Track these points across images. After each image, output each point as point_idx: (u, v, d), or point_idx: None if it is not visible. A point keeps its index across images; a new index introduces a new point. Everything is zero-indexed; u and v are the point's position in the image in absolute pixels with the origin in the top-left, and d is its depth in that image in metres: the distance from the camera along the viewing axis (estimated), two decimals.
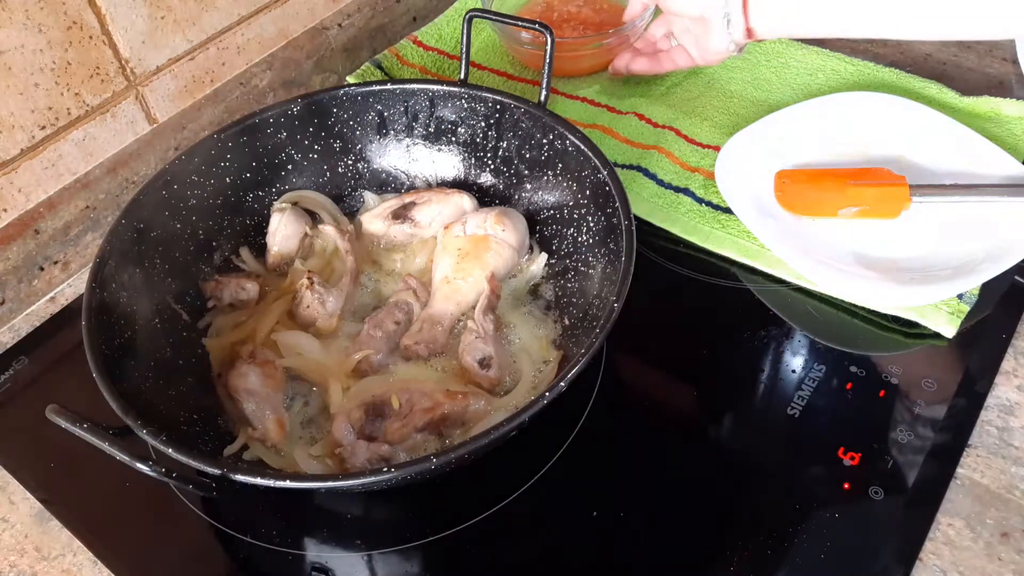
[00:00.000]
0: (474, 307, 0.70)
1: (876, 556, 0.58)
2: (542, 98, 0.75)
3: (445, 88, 0.79)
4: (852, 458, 0.63)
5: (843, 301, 0.74)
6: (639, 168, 0.87)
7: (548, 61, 0.75)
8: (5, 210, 0.76)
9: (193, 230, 0.74)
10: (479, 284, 0.71)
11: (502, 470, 0.64)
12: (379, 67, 0.99)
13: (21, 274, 0.79)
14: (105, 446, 0.53)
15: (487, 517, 0.62)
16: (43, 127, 0.76)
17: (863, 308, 0.73)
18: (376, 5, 1.07)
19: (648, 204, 0.83)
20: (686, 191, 0.84)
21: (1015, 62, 0.97)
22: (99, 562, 0.62)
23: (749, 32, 0.73)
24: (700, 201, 0.83)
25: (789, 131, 0.84)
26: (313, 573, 0.60)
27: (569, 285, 0.73)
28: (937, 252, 0.75)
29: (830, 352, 0.71)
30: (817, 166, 0.82)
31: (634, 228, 0.63)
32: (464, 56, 0.80)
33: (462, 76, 0.80)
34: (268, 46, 0.94)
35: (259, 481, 0.52)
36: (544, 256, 0.75)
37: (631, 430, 0.68)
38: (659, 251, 0.80)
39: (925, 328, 0.71)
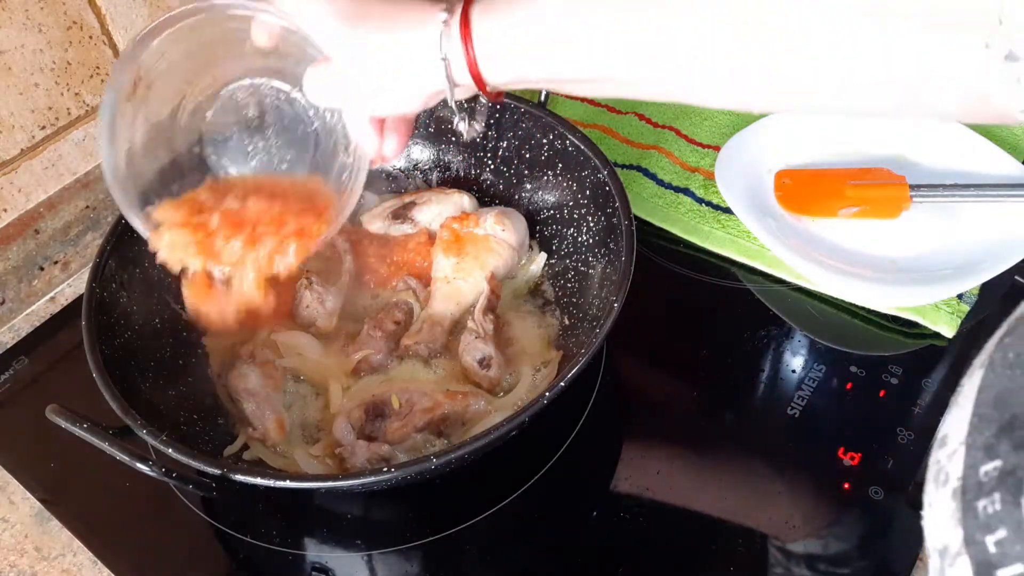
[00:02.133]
0: (474, 307, 0.70)
1: (876, 556, 0.58)
2: (542, 98, 0.75)
3: None
4: (852, 458, 0.63)
5: (843, 301, 0.74)
6: (639, 168, 0.87)
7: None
8: (5, 210, 0.76)
9: None
10: (479, 284, 0.71)
11: (502, 470, 0.64)
12: None
13: (21, 274, 0.79)
14: (105, 446, 0.53)
15: (487, 517, 0.62)
16: (43, 127, 0.76)
17: (863, 308, 0.73)
18: None
19: (648, 204, 0.83)
20: (686, 191, 0.84)
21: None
22: (99, 562, 0.62)
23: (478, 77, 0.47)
24: (700, 201, 0.83)
25: (789, 131, 0.84)
26: (313, 573, 0.60)
27: (569, 285, 0.73)
28: (937, 252, 0.75)
29: (830, 352, 0.71)
30: (817, 166, 0.82)
31: (634, 228, 0.63)
32: None
33: None
34: None
35: (259, 481, 0.52)
36: (544, 256, 0.75)
37: (631, 430, 0.68)
38: (659, 251, 0.80)
39: (925, 328, 0.71)
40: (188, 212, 0.54)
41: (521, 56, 0.46)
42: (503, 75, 0.47)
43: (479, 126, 0.55)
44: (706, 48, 0.40)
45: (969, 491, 0.30)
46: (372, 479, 0.53)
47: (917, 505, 0.60)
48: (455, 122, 0.53)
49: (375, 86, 0.49)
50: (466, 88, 0.48)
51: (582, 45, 0.44)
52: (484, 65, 0.46)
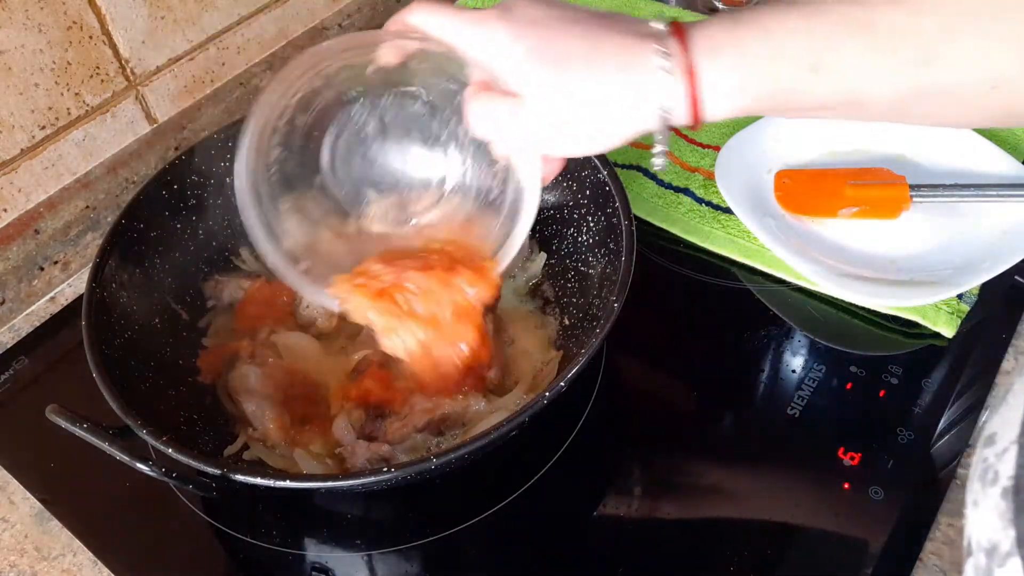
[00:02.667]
0: None
1: (876, 556, 0.58)
2: None
3: None
4: (852, 458, 0.63)
5: (843, 301, 0.74)
6: (639, 168, 0.87)
7: None
8: (5, 210, 0.76)
9: (193, 230, 0.74)
10: None
11: (502, 470, 0.64)
12: None
13: (21, 274, 0.79)
14: (105, 446, 0.53)
15: (487, 517, 0.62)
16: (43, 127, 0.76)
17: (863, 308, 0.73)
18: (376, 5, 1.07)
19: (648, 204, 0.83)
20: (686, 191, 0.84)
21: None
22: (99, 562, 0.62)
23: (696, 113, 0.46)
24: (700, 201, 0.83)
25: (789, 131, 0.84)
26: (313, 573, 0.60)
27: (569, 285, 0.72)
28: (937, 252, 0.75)
29: (830, 352, 0.71)
30: (817, 166, 0.82)
31: (634, 228, 0.63)
32: None
33: None
34: (268, 46, 0.94)
35: (259, 481, 0.52)
36: (543, 256, 0.75)
37: (631, 430, 0.68)
38: (659, 251, 0.80)
39: (925, 328, 0.71)
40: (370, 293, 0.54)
41: (751, 92, 0.44)
42: (723, 112, 0.45)
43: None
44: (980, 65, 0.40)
45: (1023, 491, 0.30)
46: (372, 479, 0.53)
47: (920, 505, 0.60)
48: (653, 160, 0.50)
49: (578, 135, 0.47)
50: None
51: (825, 78, 0.42)
52: (707, 108, 0.44)
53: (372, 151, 0.57)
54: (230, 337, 0.71)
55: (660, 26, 0.44)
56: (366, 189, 0.58)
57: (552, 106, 0.46)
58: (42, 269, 0.81)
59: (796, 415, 0.66)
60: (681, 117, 0.45)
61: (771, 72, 0.43)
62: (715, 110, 0.45)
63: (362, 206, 0.58)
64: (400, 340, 0.55)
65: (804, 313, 0.74)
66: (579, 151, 0.49)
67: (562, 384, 0.54)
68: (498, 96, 0.47)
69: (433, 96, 0.54)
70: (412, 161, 0.57)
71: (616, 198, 0.66)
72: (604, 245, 0.68)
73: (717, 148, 0.84)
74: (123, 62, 0.80)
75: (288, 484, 0.53)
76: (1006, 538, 0.30)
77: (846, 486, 0.62)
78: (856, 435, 0.64)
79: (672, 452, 0.65)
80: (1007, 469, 0.31)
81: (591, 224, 0.71)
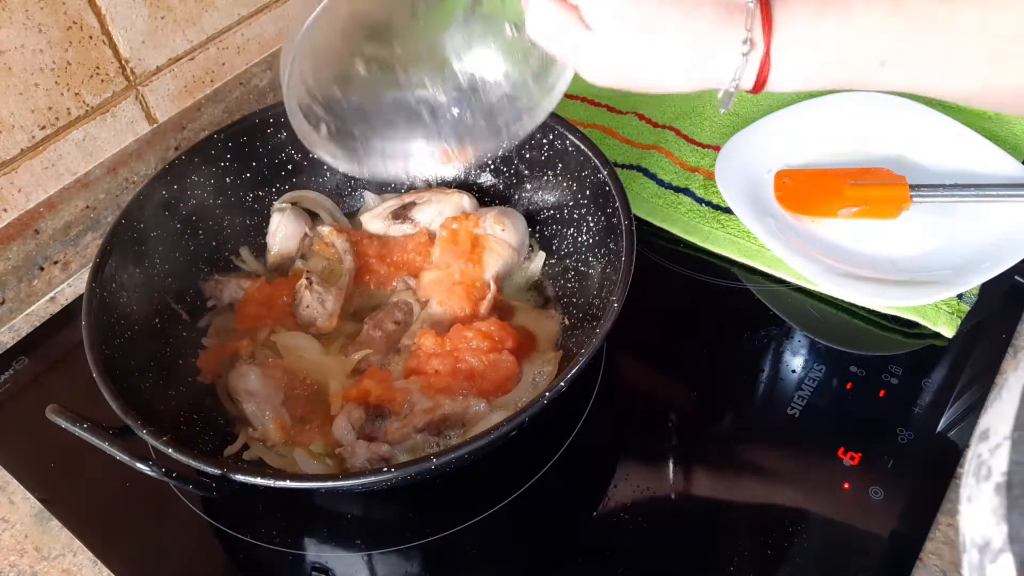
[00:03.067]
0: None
1: (876, 556, 0.58)
2: None
3: None
4: (852, 458, 0.63)
5: (843, 301, 0.74)
6: (639, 168, 0.87)
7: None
8: (5, 210, 0.76)
9: (193, 230, 0.74)
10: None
11: (502, 470, 0.64)
12: None
13: (21, 274, 0.79)
14: (105, 446, 0.53)
15: (487, 517, 0.62)
16: (43, 127, 0.76)
17: (863, 308, 0.73)
18: None
19: (648, 204, 0.83)
20: (686, 191, 0.84)
21: None
22: (99, 562, 0.62)
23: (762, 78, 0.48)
24: (700, 201, 0.83)
25: (789, 131, 0.84)
26: (313, 573, 0.60)
27: (569, 285, 0.73)
28: (937, 252, 0.75)
29: (830, 352, 0.71)
30: (817, 166, 0.82)
31: (634, 228, 0.63)
32: None
33: None
34: (268, 46, 0.94)
35: (259, 481, 0.52)
36: (543, 255, 0.75)
37: (631, 430, 0.68)
38: (659, 251, 0.80)
39: (925, 328, 0.71)
40: None
41: (817, 81, 0.46)
42: (785, 90, 0.48)
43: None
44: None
45: (1016, 487, 0.30)
46: (372, 479, 0.53)
47: (919, 505, 0.60)
48: (721, 109, 0.52)
49: (635, 81, 0.49)
50: None
51: (892, 71, 0.44)
52: (772, 86, 0.47)
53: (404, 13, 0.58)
54: (230, 337, 0.71)
55: (750, 2, 0.46)
56: (393, 43, 0.58)
57: (625, 57, 0.47)
58: (42, 269, 0.81)
59: (796, 415, 0.66)
60: (746, 87, 0.48)
61: (841, 65, 0.45)
62: (779, 87, 0.47)
63: (391, 65, 0.59)
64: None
65: (804, 313, 0.74)
66: (629, 88, 0.51)
67: (562, 384, 0.54)
68: (569, 13, 0.48)
69: None
70: (443, 31, 0.58)
71: (616, 198, 0.66)
72: (604, 245, 0.68)
73: (717, 148, 0.84)
74: (123, 62, 0.79)
75: (288, 484, 0.53)
76: (999, 534, 0.30)
77: (846, 486, 0.62)
78: (856, 435, 0.64)
79: (671, 452, 0.65)
80: (1000, 465, 0.31)
81: (591, 224, 0.71)
